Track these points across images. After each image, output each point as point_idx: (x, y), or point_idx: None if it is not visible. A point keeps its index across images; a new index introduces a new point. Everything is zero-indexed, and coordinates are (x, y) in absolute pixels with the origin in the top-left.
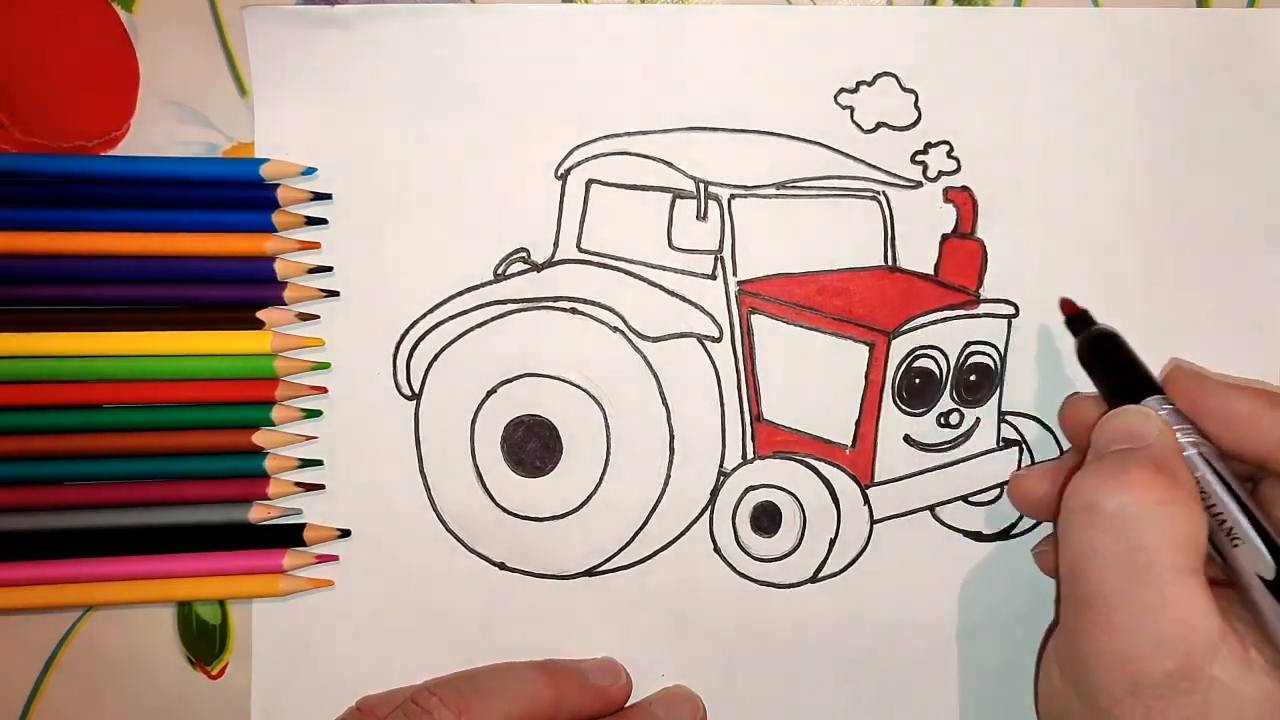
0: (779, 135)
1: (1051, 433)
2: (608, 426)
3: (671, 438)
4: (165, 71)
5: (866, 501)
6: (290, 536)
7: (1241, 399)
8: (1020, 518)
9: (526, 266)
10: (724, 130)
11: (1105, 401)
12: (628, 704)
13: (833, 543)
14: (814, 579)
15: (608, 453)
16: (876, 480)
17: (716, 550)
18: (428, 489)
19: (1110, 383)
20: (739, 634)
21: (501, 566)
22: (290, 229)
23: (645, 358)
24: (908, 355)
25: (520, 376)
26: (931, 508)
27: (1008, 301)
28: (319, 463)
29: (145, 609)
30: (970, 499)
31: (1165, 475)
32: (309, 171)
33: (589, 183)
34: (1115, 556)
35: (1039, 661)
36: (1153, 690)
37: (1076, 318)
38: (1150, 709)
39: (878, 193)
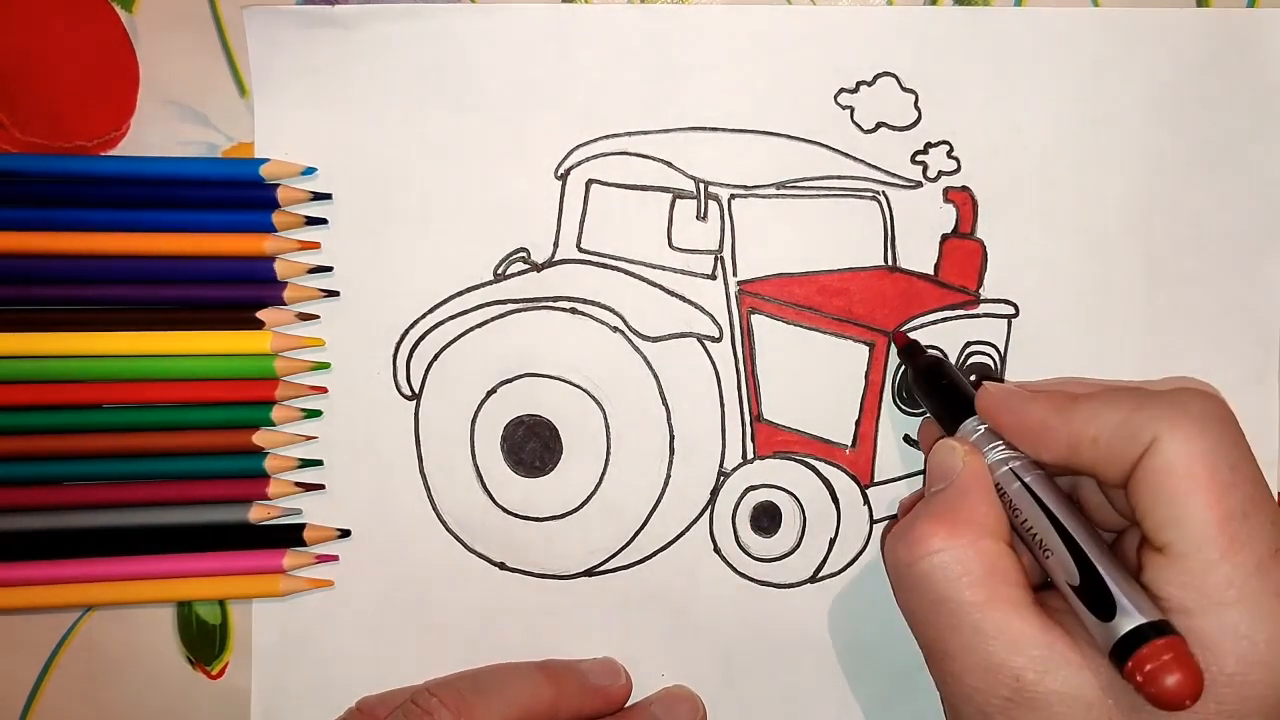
0: (779, 135)
1: None
2: (608, 426)
3: (671, 438)
4: (165, 71)
5: (866, 501)
6: (290, 536)
7: (1032, 408)
8: None
9: (526, 266)
10: (724, 130)
11: (942, 428)
12: (628, 704)
13: (832, 543)
14: (814, 579)
15: (608, 453)
16: (876, 480)
17: (716, 550)
18: (428, 489)
19: (935, 409)
20: (739, 634)
21: (501, 566)
22: (290, 229)
23: (645, 358)
24: None
25: (520, 376)
26: None
27: (1007, 301)
28: (319, 463)
29: (145, 609)
30: None
31: (948, 521)
32: (309, 171)
33: (589, 183)
34: (925, 610)
35: None
36: (999, 714)
37: (907, 349)
38: None
39: (878, 193)
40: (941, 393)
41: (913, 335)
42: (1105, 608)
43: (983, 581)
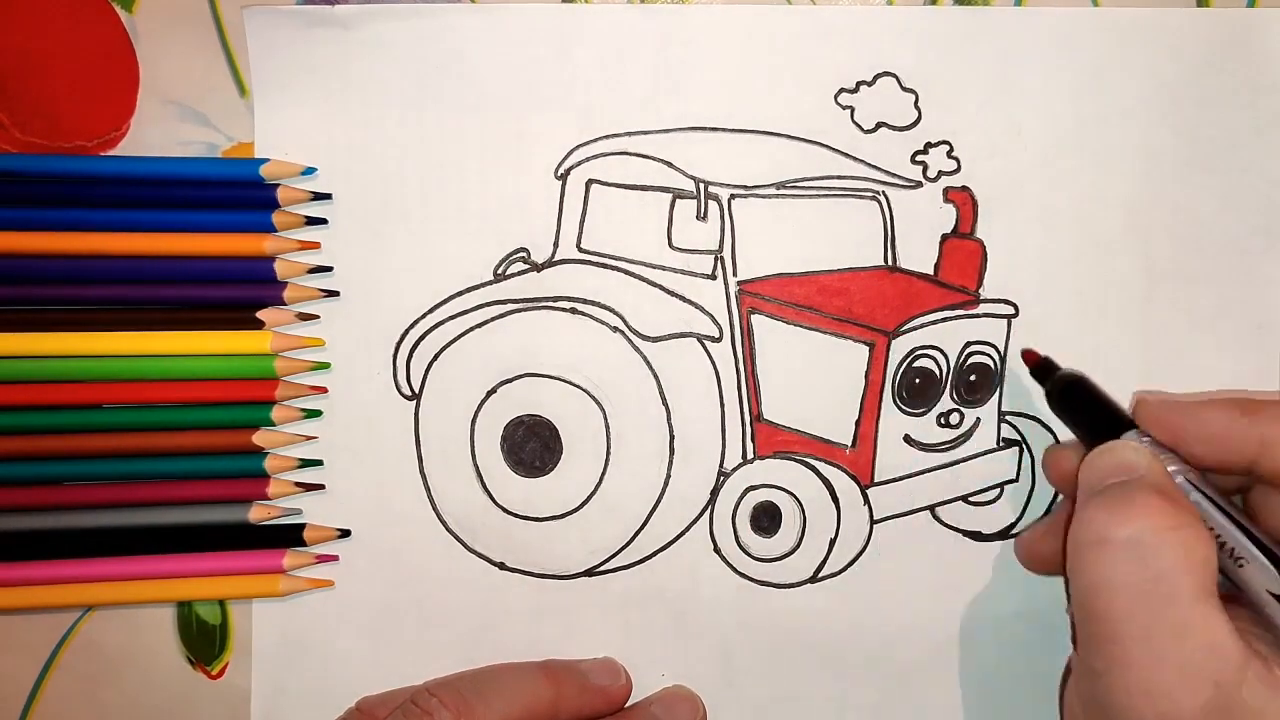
0: (779, 135)
1: (1052, 432)
2: (608, 426)
3: (671, 438)
4: (165, 71)
5: (866, 501)
6: (290, 536)
7: (1214, 415)
8: (1020, 518)
9: (526, 266)
10: (724, 130)
11: (1084, 444)
12: (628, 704)
13: (833, 543)
14: (814, 579)
15: (608, 453)
16: (876, 480)
17: (716, 550)
18: (428, 489)
19: (1086, 425)
20: (739, 634)
21: (501, 566)
22: (290, 229)
23: (645, 358)
24: (908, 355)
25: (520, 376)
26: (931, 508)
27: (1007, 301)
28: (319, 463)
29: (145, 609)
30: (970, 499)
31: (1171, 501)
32: (309, 171)
33: (589, 183)
34: (1133, 587)
35: (1060, 703)
36: (1185, 713)
37: (1041, 366)
38: None
39: (878, 193)
40: (1090, 409)
41: (913, 335)
42: None
43: (1200, 570)
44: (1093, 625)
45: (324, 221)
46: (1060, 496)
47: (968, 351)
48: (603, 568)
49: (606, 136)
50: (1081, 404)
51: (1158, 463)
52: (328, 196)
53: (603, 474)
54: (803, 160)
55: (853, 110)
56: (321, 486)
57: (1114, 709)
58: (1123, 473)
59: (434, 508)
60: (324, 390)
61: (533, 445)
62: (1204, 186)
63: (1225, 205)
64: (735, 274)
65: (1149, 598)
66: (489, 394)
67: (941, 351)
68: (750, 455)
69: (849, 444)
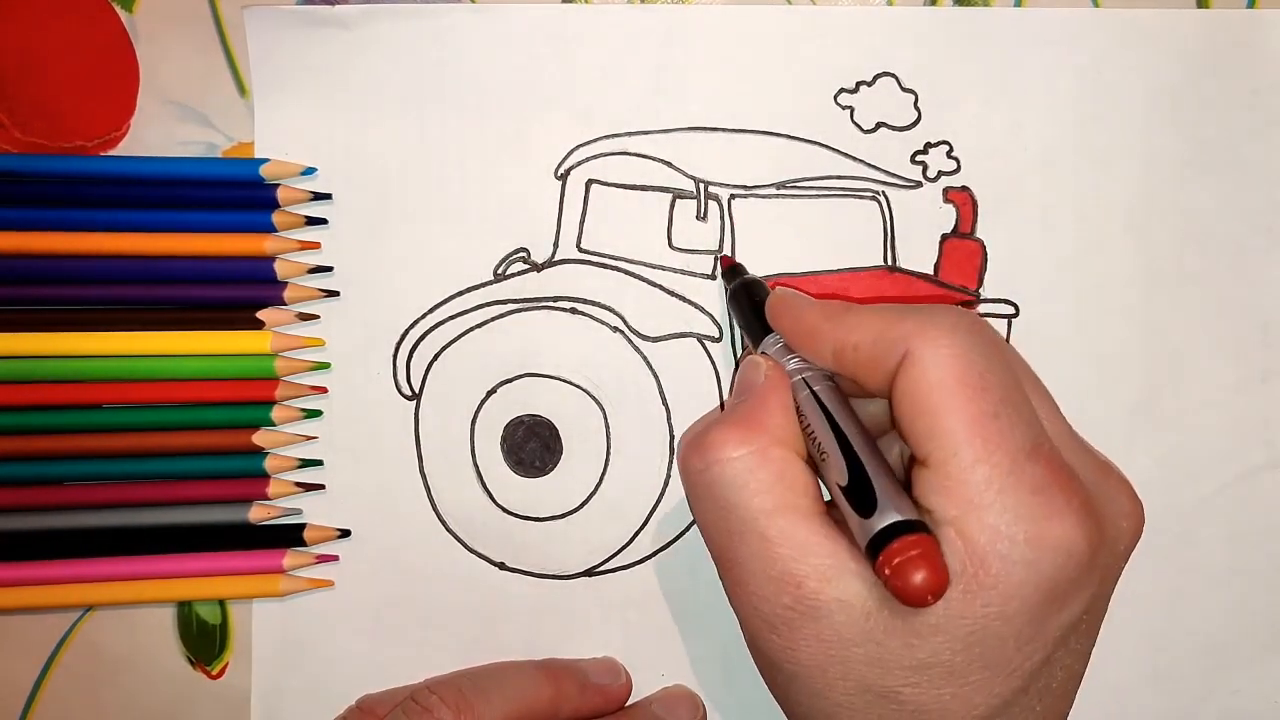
0: (779, 135)
1: None
2: (608, 426)
3: (671, 438)
4: (165, 71)
5: None
6: (290, 536)
7: (807, 313)
8: None
9: (526, 266)
10: (724, 130)
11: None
12: (628, 703)
13: None
14: None
15: (608, 453)
16: None
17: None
18: (428, 489)
19: (745, 326)
20: (739, 634)
21: (501, 566)
22: (290, 229)
23: (645, 358)
24: None
25: (520, 376)
26: None
27: (1008, 301)
28: (319, 463)
29: (145, 609)
30: None
31: (742, 427)
32: (309, 171)
33: (589, 183)
34: (714, 516)
35: None
36: (781, 623)
37: (730, 270)
38: (787, 639)
39: (877, 193)
40: (752, 309)
41: None
42: (868, 506)
43: (771, 488)
44: (707, 546)
45: (324, 221)
46: None
47: None
48: (603, 568)
49: (606, 136)
50: (744, 307)
51: (775, 374)
52: (328, 196)
53: (603, 474)
54: (803, 160)
55: (852, 110)
56: (321, 486)
57: (738, 615)
58: (744, 392)
59: (434, 508)
60: (324, 390)
61: (533, 445)
62: (1204, 186)
63: (1226, 205)
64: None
65: (728, 525)
66: (489, 394)
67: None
68: None
69: None
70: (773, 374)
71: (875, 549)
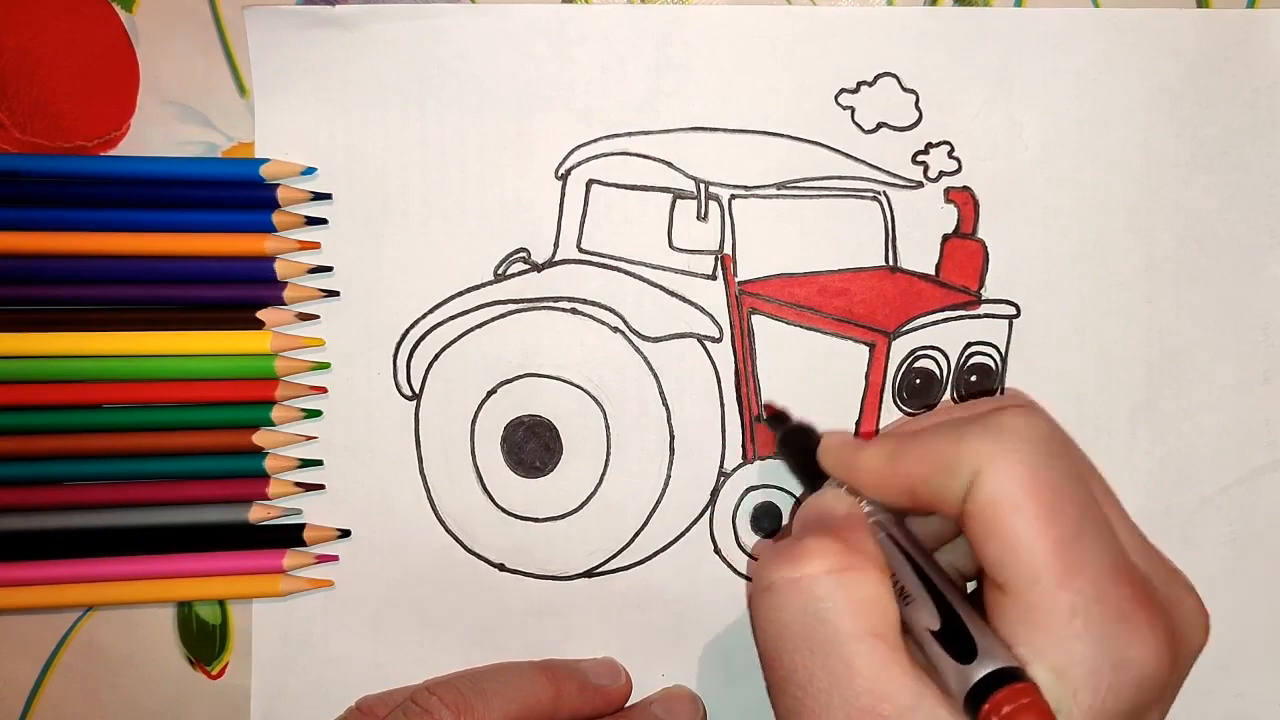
0: (779, 135)
1: None
2: (608, 426)
3: (671, 438)
4: (165, 71)
5: None
6: (290, 536)
7: (864, 458)
8: None
9: (526, 266)
10: (724, 130)
11: (808, 492)
12: (628, 704)
13: None
14: None
15: (608, 453)
16: None
17: (716, 550)
18: (428, 489)
19: (801, 471)
20: (739, 634)
21: (501, 567)
22: (290, 229)
23: (645, 358)
24: (908, 355)
25: (520, 376)
26: None
27: (1009, 302)
28: (319, 463)
29: (145, 609)
30: None
31: (840, 543)
32: (309, 171)
33: (589, 183)
34: (797, 630)
35: None
36: None
37: (775, 417)
38: None
39: (878, 193)
40: (803, 456)
41: (913, 336)
42: (964, 652)
43: (864, 611)
44: (768, 671)
45: (324, 221)
46: None
47: (969, 352)
48: (603, 568)
49: (606, 137)
50: (799, 451)
51: (855, 507)
52: (328, 196)
53: (603, 474)
54: (803, 160)
55: (853, 110)
56: (321, 486)
57: None
58: (820, 520)
59: (434, 508)
60: (324, 390)
61: (533, 445)
62: (1205, 186)
63: (1227, 205)
64: (735, 274)
65: (812, 642)
66: (489, 394)
67: (942, 352)
68: (750, 455)
69: None
70: (854, 507)
71: (976, 696)
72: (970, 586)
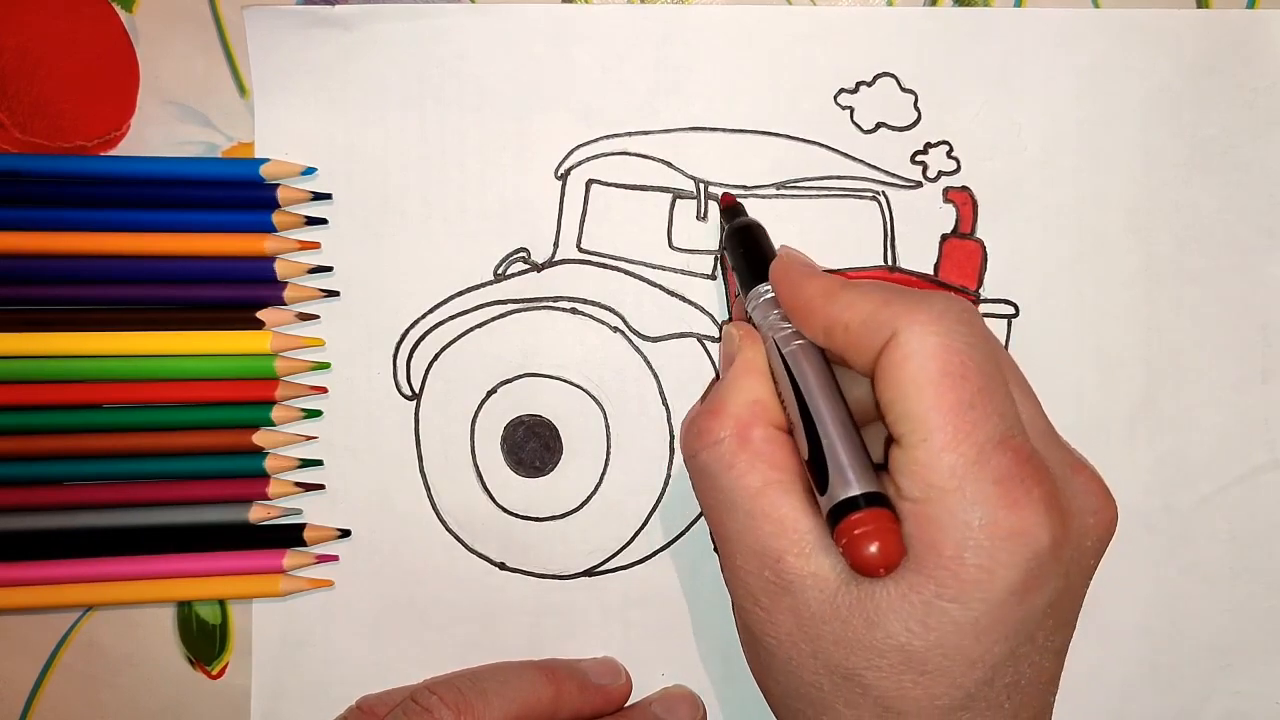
0: (779, 135)
1: None
2: (608, 426)
3: (671, 438)
4: (165, 71)
5: None
6: (290, 536)
7: (806, 285)
8: None
9: (526, 266)
10: (724, 130)
11: (742, 289)
12: (628, 703)
13: None
14: None
15: (608, 453)
16: None
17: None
18: (428, 489)
19: (739, 271)
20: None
21: (501, 566)
22: (290, 229)
23: (645, 358)
24: None
25: (520, 376)
26: None
27: (1008, 301)
28: (319, 463)
29: (145, 609)
30: None
31: (721, 413)
32: (309, 171)
33: (589, 183)
34: (707, 497)
35: None
36: (763, 595)
37: (729, 209)
38: (767, 611)
39: (877, 193)
40: (746, 254)
41: None
42: (823, 480)
43: (753, 468)
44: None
45: (324, 221)
46: None
47: None
48: (603, 568)
49: (606, 136)
50: (744, 251)
51: (749, 347)
52: (328, 196)
53: (603, 474)
54: (802, 160)
55: (852, 110)
56: (321, 486)
57: (729, 587)
58: (726, 363)
59: (434, 508)
60: (324, 390)
61: (533, 445)
62: (1204, 186)
63: (1226, 205)
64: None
65: (718, 504)
66: (489, 394)
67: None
68: None
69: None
70: (746, 348)
71: (835, 520)
72: None
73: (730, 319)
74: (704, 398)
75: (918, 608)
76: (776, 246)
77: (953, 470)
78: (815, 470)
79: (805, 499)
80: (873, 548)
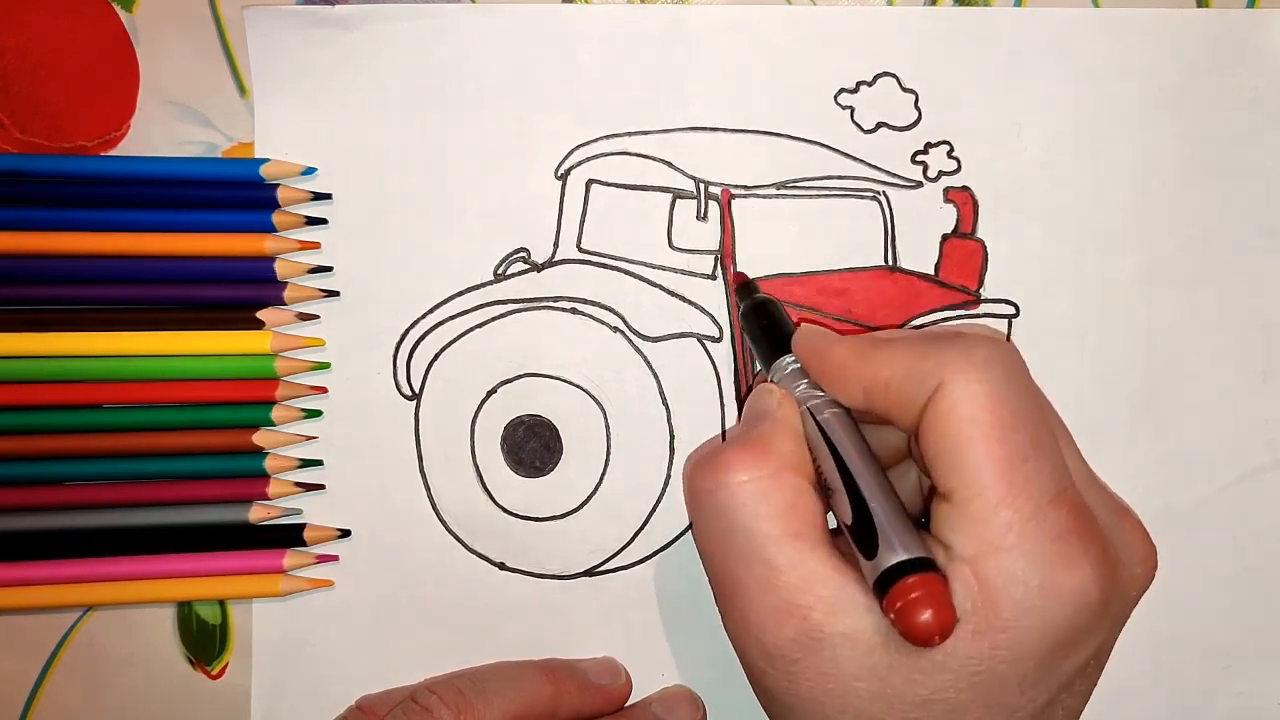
0: (779, 135)
1: None
2: (608, 426)
3: (671, 438)
4: (165, 71)
5: None
6: (290, 536)
7: (836, 350)
8: None
9: (526, 266)
10: (724, 130)
11: (764, 366)
12: (628, 703)
13: None
14: None
15: (608, 453)
16: None
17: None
18: (428, 489)
19: (757, 346)
20: None
21: (501, 566)
22: (290, 229)
23: (645, 358)
24: None
25: (520, 376)
26: None
27: (1008, 301)
28: (319, 463)
29: (145, 609)
30: None
31: (754, 451)
32: (309, 171)
33: (589, 183)
34: (722, 539)
35: None
36: (782, 656)
37: (743, 288)
38: (788, 673)
39: (878, 193)
40: (764, 330)
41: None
42: (871, 546)
43: (780, 515)
44: (707, 571)
45: (324, 221)
46: None
47: None
48: (603, 568)
49: (606, 136)
50: (759, 327)
51: (788, 404)
52: (328, 196)
53: (603, 474)
54: (803, 160)
55: (853, 110)
56: (321, 486)
57: (735, 642)
58: (758, 418)
59: (434, 508)
60: (324, 390)
61: (533, 445)
62: (1204, 186)
63: (1226, 205)
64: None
65: (735, 549)
66: (489, 394)
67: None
68: None
69: None
70: (785, 402)
71: (883, 587)
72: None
73: (739, 392)
74: (715, 443)
75: (970, 665)
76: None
77: (1009, 527)
78: (860, 535)
79: (830, 554)
80: (926, 614)
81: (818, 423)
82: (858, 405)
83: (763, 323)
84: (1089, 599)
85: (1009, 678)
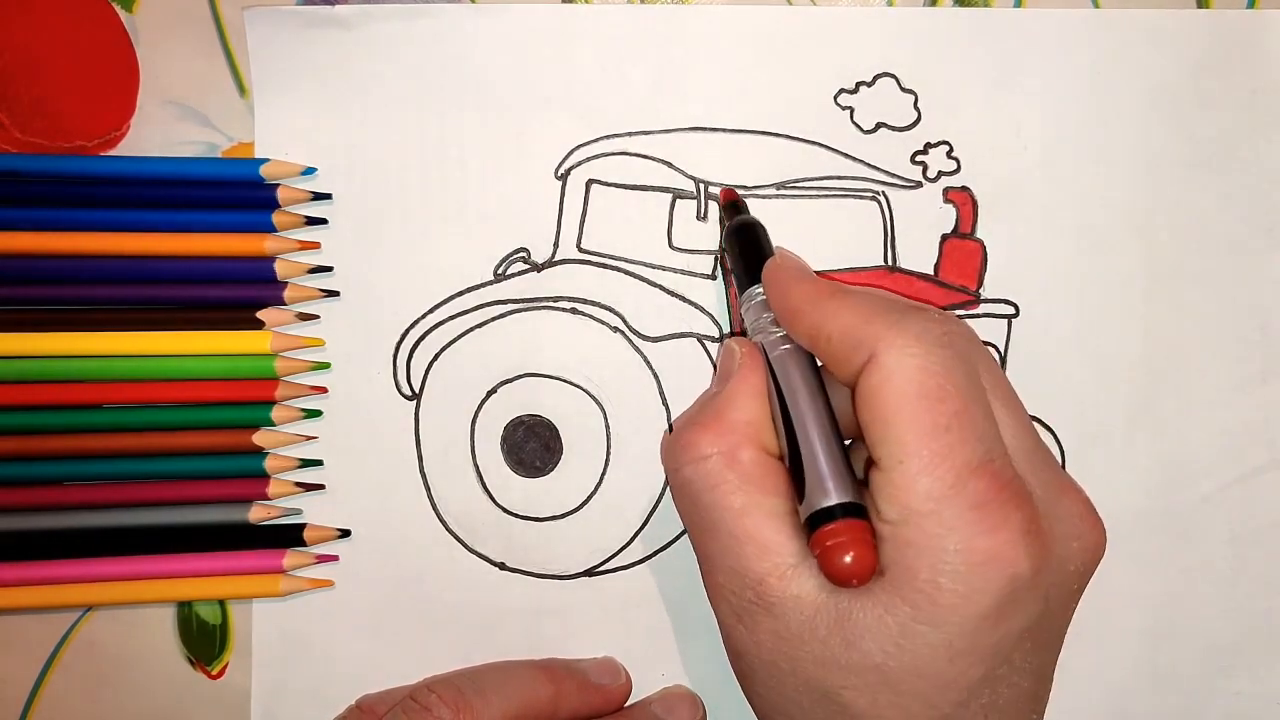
0: (779, 135)
1: (1053, 433)
2: (608, 426)
3: None
4: (165, 71)
5: None
6: (290, 536)
7: (795, 290)
8: None
9: (526, 266)
10: (724, 130)
11: (739, 285)
12: (628, 703)
13: None
14: None
15: (608, 453)
16: None
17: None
18: (428, 489)
19: (737, 270)
20: None
21: (501, 566)
22: (290, 229)
23: (645, 358)
24: None
25: (520, 376)
26: None
27: (1008, 301)
28: (319, 463)
29: (145, 609)
30: None
31: (711, 429)
32: (309, 171)
33: (589, 183)
34: (690, 513)
35: None
36: (745, 616)
37: (730, 205)
38: (750, 630)
39: (877, 193)
40: (745, 254)
41: None
42: (801, 488)
43: (739, 489)
44: (689, 536)
45: (324, 221)
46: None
47: None
48: (603, 568)
49: (606, 136)
50: (740, 250)
51: (749, 364)
52: (328, 196)
53: (603, 474)
54: (802, 160)
55: (852, 111)
56: (321, 486)
57: (712, 602)
58: (723, 379)
59: (434, 508)
60: (324, 390)
61: (533, 445)
62: (1204, 186)
63: (1226, 205)
64: None
65: (702, 524)
66: (489, 394)
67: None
68: None
69: (848, 443)
70: (746, 362)
71: (813, 528)
72: None
73: (731, 325)
74: (692, 409)
75: (893, 629)
76: (775, 246)
77: (929, 494)
78: (797, 476)
79: (791, 522)
80: (847, 558)
81: (768, 359)
82: (806, 348)
83: (744, 246)
84: (1011, 566)
85: (935, 643)
